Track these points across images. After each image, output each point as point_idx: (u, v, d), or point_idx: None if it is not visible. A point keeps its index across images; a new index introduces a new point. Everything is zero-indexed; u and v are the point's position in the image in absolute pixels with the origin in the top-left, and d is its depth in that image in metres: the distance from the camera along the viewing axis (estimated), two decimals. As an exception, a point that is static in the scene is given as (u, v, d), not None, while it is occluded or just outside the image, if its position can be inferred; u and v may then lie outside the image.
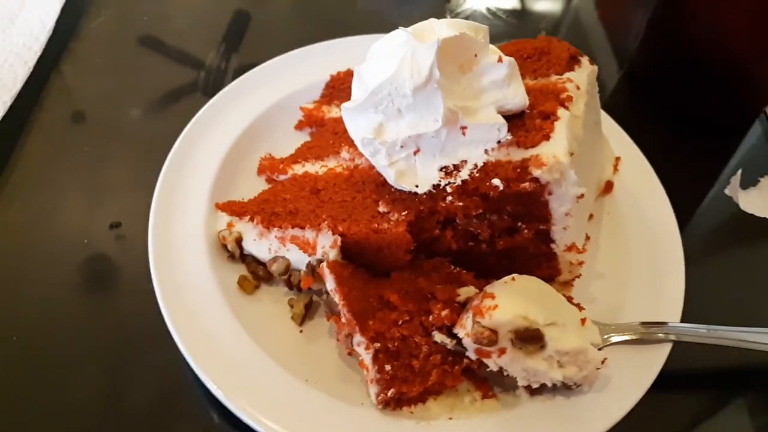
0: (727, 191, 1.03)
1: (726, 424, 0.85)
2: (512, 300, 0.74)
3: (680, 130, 1.16)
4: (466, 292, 0.78)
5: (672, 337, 0.81)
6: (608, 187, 0.98)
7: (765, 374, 0.89)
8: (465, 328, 0.74)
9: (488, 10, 1.39)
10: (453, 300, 0.78)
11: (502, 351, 0.73)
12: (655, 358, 0.79)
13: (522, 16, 1.40)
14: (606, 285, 0.89)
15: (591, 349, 0.74)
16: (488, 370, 0.76)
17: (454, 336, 0.76)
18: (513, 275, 0.79)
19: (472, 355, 0.75)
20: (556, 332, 0.73)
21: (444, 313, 0.76)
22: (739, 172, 0.99)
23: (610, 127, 1.04)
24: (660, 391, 0.78)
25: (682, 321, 0.83)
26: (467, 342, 0.74)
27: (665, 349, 0.80)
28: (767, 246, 1.04)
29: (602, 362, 0.75)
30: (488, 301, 0.74)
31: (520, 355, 0.72)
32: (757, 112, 1.20)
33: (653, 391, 0.77)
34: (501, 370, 0.74)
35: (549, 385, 0.75)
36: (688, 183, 1.08)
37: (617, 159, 1.00)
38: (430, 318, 0.77)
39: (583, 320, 0.78)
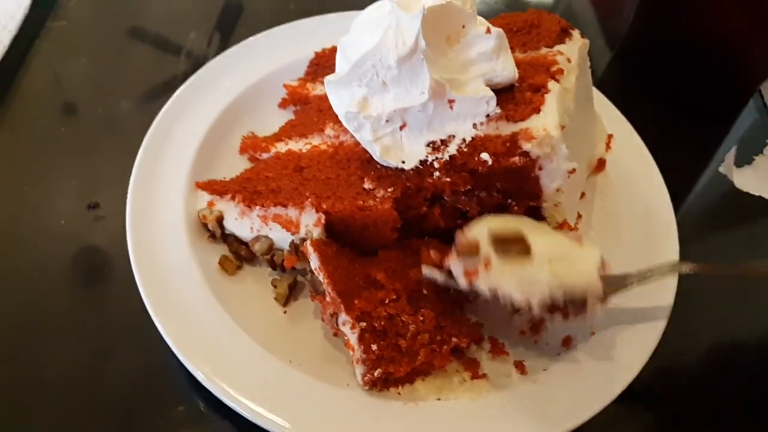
0: (721, 169, 1.00)
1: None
2: (492, 218, 0.75)
3: (673, 109, 1.14)
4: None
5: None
6: (600, 165, 0.96)
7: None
8: (451, 256, 0.73)
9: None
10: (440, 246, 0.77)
11: (487, 263, 0.70)
12: (650, 337, 0.78)
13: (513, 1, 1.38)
14: (598, 264, 0.87)
15: (582, 250, 0.71)
16: (481, 299, 0.73)
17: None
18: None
19: (463, 283, 0.72)
20: (541, 235, 0.71)
21: (433, 254, 0.75)
22: (734, 149, 0.97)
23: (601, 104, 1.02)
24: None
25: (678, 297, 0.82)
26: (455, 267, 0.72)
27: (659, 328, 0.78)
28: (762, 225, 1.03)
29: (602, 265, 0.71)
30: (469, 225, 0.74)
31: (508, 266, 0.70)
32: (751, 92, 1.18)
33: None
34: (496, 296, 0.71)
35: (547, 300, 0.69)
36: (681, 162, 1.06)
37: (609, 136, 0.98)
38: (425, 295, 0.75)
39: (579, 237, 0.75)
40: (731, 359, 0.88)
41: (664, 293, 0.82)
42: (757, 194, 0.98)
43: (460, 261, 0.72)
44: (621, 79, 1.21)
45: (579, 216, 0.86)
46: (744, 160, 1.04)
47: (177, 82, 0.98)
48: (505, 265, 0.70)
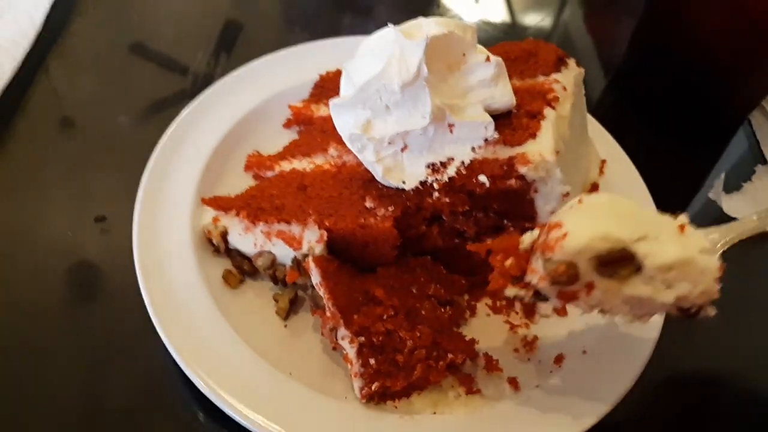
0: (710, 195, 1.04)
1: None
2: (584, 222, 0.59)
3: (665, 134, 1.18)
4: (529, 237, 0.66)
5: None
6: (593, 189, 0.99)
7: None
8: (537, 273, 0.61)
9: (480, 21, 1.41)
10: (515, 247, 0.65)
11: (590, 286, 0.59)
12: (641, 354, 0.80)
13: (511, 28, 1.42)
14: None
15: (700, 256, 0.60)
16: (581, 314, 0.65)
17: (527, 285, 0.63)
18: (579, 196, 0.65)
19: (556, 302, 0.63)
20: (650, 246, 0.58)
21: (508, 262, 0.64)
22: (723, 175, 1.01)
23: (595, 129, 1.05)
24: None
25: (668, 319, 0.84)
26: (544, 287, 0.61)
27: (650, 345, 0.81)
28: (754, 249, 1.05)
29: (719, 269, 0.61)
30: (555, 232, 0.60)
31: (614, 285, 0.59)
32: (741, 119, 1.22)
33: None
34: (601, 309, 0.62)
35: (661, 313, 0.63)
36: (672, 186, 1.08)
37: (603, 161, 1.01)
38: (422, 312, 0.76)
39: (682, 227, 0.63)
40: (725, 377, 0.90)
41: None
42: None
43: (552, 286, 0.61)
44: (615, 105, 1.25)
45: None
46: (733, 186, 1.08)
47: (180, 99, 1.00)
48: (609, 285, 0.59)
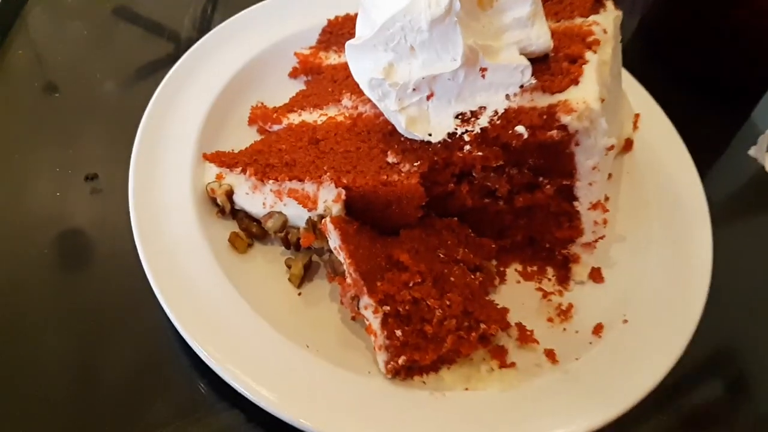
0: (751, 152, 0.97)
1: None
2: None
3: (696, 86, 1.10)
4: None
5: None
6: (628, 144, 0.92)
7: None
8: None
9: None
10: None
11: None
12: (688, 322, 0.74)
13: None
14: (628, 247, 0.83)
15: None
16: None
17: None
18: None
19: None
20: None
21: None
22: (767, 132, 0.93)
23: (627, 82, 0.97)
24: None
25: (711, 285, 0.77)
26: None
27: (696, 313, 0.75)
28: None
29: None
30: None
31: None
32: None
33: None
34: None
35: None
36: (706, 141, 1.01)
37: (637, 116, 0.94)
38: (451, 278, 0.69)
39: None
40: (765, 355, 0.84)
41: (699, 277, 0.79)
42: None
43: None
44: (643, 55, 1.16)
45: (606, 198, 0.82)
46: (770, 143, 1.01)
47: (167, 63, 0.91)
48: None
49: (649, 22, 1.19)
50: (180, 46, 1.05)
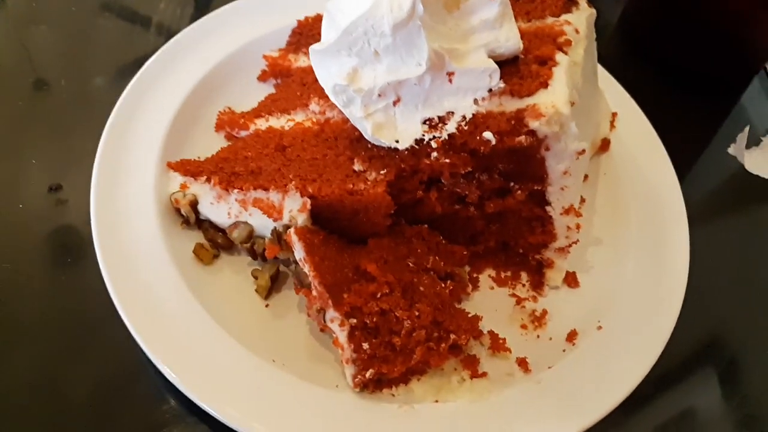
0: (730, 150, 0.96)
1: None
2: None
3: (674, 83, 1.09)
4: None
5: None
6: (605, 145, 0.90)
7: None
8: None
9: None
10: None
11: None
12: (662, 329, 0.73)
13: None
14: (604, 251, 0.82)
15: None
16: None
17: None
18: None
19: None
20: None
21: None
22: (747, 130, 0.92)
23: (604, 80, 0.95)
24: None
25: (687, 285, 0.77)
26: None
27: (671, 319, 0.74)
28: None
29: None
30: None
31: None
32: (756, 68, 1.12)
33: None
34: None
35: None
36: (684, 139, 1.00)
37: (614, 115, 0.92)
38: (420, 288, 0.68)
39: None
40: (745, 354, 0.83)
41: (675, 281, 0.77)
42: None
43: None
44: (621, 52, 1.15)
45: (582, 200, 0.80)
46: (751, 141, 0.99)
47: (147, 56, 0.89)
48: None
49: (631, 15, 1.17)
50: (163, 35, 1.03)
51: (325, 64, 0.70)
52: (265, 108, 0.86)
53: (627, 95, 0.96)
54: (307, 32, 0.93)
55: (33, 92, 0.95)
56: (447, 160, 0.69)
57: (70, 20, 1.05)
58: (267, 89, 0.91)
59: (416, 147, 0.70)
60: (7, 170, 0.85)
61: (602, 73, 0.95)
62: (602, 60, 0.95)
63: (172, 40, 0.90)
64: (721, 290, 0.86)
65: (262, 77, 0.92)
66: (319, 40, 0.73)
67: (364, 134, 0.71)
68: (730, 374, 0.81)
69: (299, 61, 0.90)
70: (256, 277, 0.74)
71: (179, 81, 0.86)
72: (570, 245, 0.77)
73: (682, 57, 1.09)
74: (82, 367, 0.72)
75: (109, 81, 0.97)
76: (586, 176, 0.87)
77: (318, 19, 0.92)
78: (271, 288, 0.74)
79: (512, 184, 0.73)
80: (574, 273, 0.80)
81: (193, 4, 1.09)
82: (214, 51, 0.90)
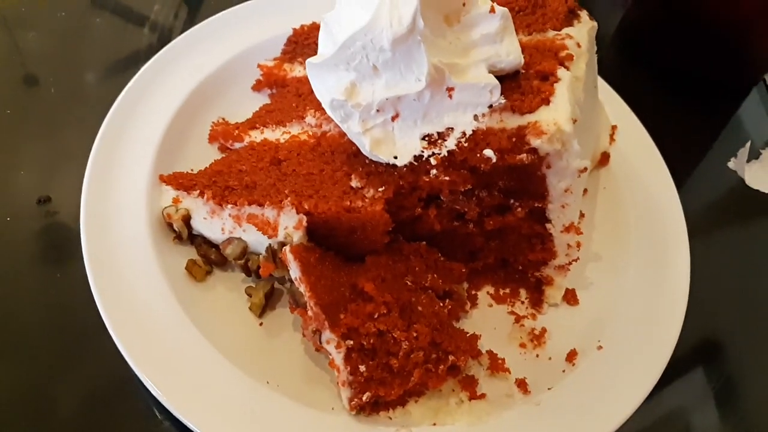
0: (731, 165, 0.95)
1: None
2: None
3: (674, 93, 1.08)
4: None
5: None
6: (604, 158, 0.89)
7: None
8: None
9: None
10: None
11: None
12: (663, 348, 0.72)
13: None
14: (604, 267, 0.81)
15: None
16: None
17: None
18: None
19: None
20: None
21: None
22: (748, 144, 0.91)
23: (604, 92, 0.94)
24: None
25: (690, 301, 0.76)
26: None
27: (672, 339, 0.73)
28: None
29: None
30: None
31: None
32: (756, 78, 1.11)
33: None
34: None
35: None
36: (684, 151, 1.00)
37: (613, 128, 0.91)
38: (419, 307, 0.66)
39: None
40: (744, 369, 0.82)
41: (675, 299, 0.76)
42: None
43: None
44: (620, 62, 1.14)
45: (581, 215, 0.79)
46: (750, 154, 0.98)
47: (140, 57, 0.87)
48: None
49: (630, 23, 1.16)
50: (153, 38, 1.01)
51: (323, 78, 0.69)
52: (259, 119, 0.84)
53: (626, 107, 0.95)
54: (302, 41, 0.91)
55: (24, 91, 0.93)
56: (446, 178, 0.68)
57: (60, 20, 1.03)
58: (262, 99, 0.90)
59: (415, 164, 0.68)
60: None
61: (602, 85, 0.94)
62: (600, 68, 0.94)
63: (165, 48, 0.88)
64: (721, 305, 0.85)
65: (257, 87, 0.91)
66: (315, 48, 0.71)
67: (362, 150, 0.70)
68: (729, 390, 0.80)
69: (295, 71, 0.88)
70: (249, 295, 0.73)
71: (172, 90, 0.85)
72: (570, 263, 0.76)
73: (682, 66, 1.08)
74: (73, 381, 0.71)
75: (100, 81, 0.96)
76: (585, 190, 0.85)
77: (314, 27, 0.91)
78: (265, 306, 0.73)
79: (512, 201, 0.72)
80: (573, 290, 0.78)
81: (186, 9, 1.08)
82: (207, 59, 0.89)
